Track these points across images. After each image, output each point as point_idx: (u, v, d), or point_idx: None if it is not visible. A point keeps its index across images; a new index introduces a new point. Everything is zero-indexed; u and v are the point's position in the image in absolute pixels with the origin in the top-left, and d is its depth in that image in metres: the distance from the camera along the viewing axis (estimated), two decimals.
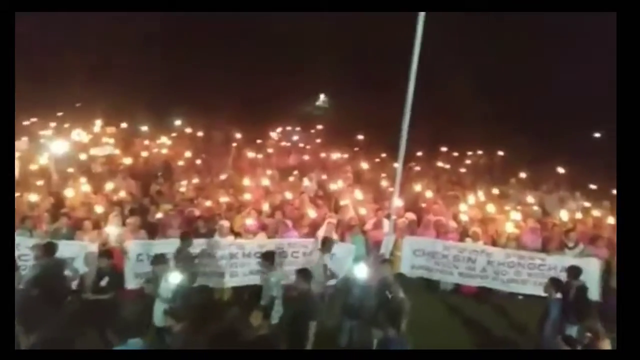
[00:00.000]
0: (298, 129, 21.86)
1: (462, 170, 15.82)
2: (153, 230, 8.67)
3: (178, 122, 19.44)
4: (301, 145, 18.55)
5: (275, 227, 9.26)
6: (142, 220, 8.79)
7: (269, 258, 7.24)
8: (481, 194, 12.11)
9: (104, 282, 6.69)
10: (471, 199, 11.48)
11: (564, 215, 10.47)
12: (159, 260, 6.81)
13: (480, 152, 18.29)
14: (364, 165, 14.60)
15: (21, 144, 12.44)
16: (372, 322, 6.49)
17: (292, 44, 28.65)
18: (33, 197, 9.35)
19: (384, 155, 16.02)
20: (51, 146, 12.04)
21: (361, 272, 6.85)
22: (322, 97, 38.89)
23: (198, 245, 8.08)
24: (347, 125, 21.67)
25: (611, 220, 10.22)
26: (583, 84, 22.83)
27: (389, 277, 7.01)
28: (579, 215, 11.07)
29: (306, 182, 12.46)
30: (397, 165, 8.62)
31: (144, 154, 14.61)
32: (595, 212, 10.99)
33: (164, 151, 15.33)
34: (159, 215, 9.32)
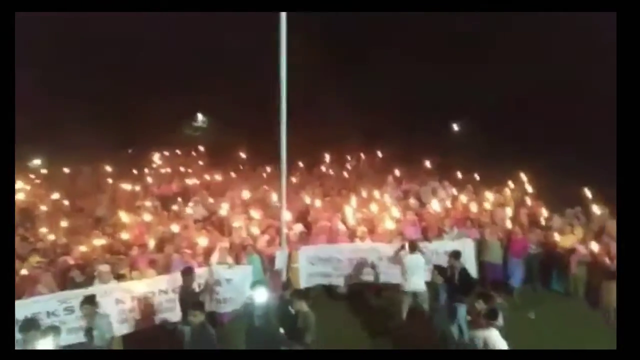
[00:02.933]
0: (178, 152, 20.99)
1: (345, 174, 16.51)
2: (18, 290, 7.58)
3: (37, 162, 17.40)
4: (183, 169, 17.80)
5: (165, 262, 8.73)
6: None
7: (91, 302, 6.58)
8: (364, 195, 12.75)
9: None
10: (355, 201, 12.02)
11: (435, 204, 11.48)
12: (29, 325, 5.95)
13: (360, 154, 19.27)
14: (251, 183, 14.48)
15: None
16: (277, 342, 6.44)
17: (160, 64, 27.37)
18: None
19: (269, 169, 16.10)
20: None
21: (261, 294, 6.76)
22: (199, 116, 37.73)
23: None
24: (229, 143, 21.37)
25: (474, 205, 11.43)
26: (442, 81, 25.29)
27: (288, 293, 7.03)
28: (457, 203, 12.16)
29: (189, 209, 11.94)
30: (281, 178, 8.64)
31: None
32: (463, 198, 12.22)
33: (21, 197, 13.57)
34: (24, 271, 8.20)
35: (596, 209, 10.56)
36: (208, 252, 9.02)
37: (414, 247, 8.59)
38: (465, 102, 24.84)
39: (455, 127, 27.67)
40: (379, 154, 18.90)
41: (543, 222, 10.53)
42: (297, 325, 6.42)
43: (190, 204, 12.44)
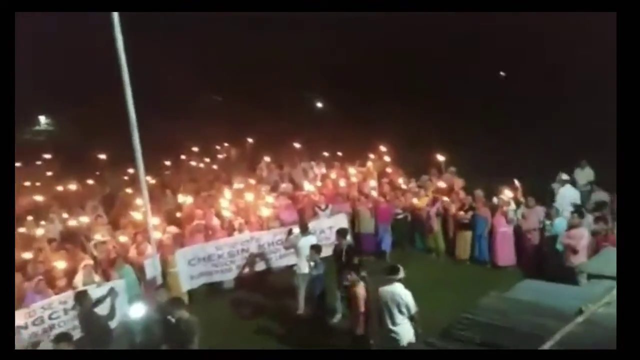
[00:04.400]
0: (18, 164, 18.33)
1: (215, 166, 16.12)
2: None
3: None
4: (27, 184, 15.62)
5: (19, 296, 7.66)
6: None
7: None
8: (238, 185, 12.60)
9: None
10: (229, 192, 11.83)
11: (307, 185, 11.84)
12: None
13: (228, 144, 18.91)
14: (112, 188, 13.35)
15: None
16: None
17: None
18: None
19: (131, 171, 14.95)
20: None
21: (137, 309, 6.35)
22: (42, 119, 33.54)
23: None
24: (81, 147, 19.33)
25: (342, 181, 12.03)
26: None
27: (167, 301, 6.70)
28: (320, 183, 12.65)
29: (40, 229, 10.60)
30: (141, 178, 8.04)
31: None
32: (332, 175, 12.78)
33: None
34: None
35: (445, 171, 11.86)
36: (70, 274, 8.16)
37: (305, 229, 8.76)
38: (325, 82, 25.86)
39: (319, 106, 28.71)
40: (249, 140, 18.77)
41: (403, 188, 11.51)
42: (179, 334, 6.17)
43: (42, 222, 11.03)
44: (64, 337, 5.87)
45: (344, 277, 6.94)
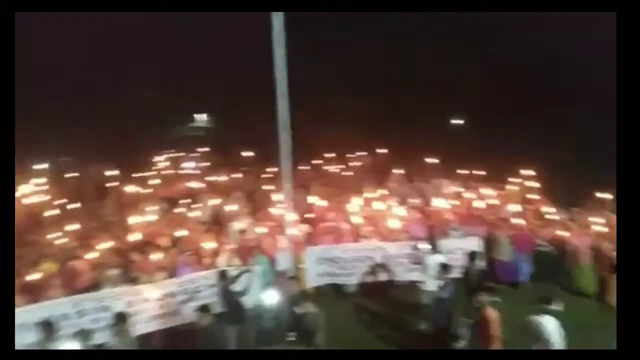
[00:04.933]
0: (182, 154, 21.02)
1: (349, 173, 16.53)
2: (33, 293, 7.69)
3: (43, 166, 17.42)
4: (187, 171, 17.86)
5: (172, 266, 8.81)
6: (19, 284, 7.76)
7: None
8: (368, 194, 12.78)
9: None
10: (360, 200, 12.06)
11: (440, 202, 11.50)
12: (44, 327, 6.09)
13: (364, 153, 19.24)
14: (255, 184, 14.54)
15: None
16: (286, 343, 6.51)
17: (159, 64, 27.33)
18: None
19: (273, 169, 16.10)
20: None
21: (270, 296, 6.84)
22: (198, 117, 37.79)
23: None
24: (232, 144, 21.37)
25: (479, 202, 11.45)
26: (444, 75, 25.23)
27: (296, 294, 7.10)
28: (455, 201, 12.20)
29: (194, 212, 12.01)
30: (285, 177, 8.72)
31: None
32: (467, 195, 12.23)
33: (28, 202, 13.65)
34: (37, 275, 8.30)
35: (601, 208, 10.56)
36: (215, 255, 9.10)
37: (434, 246, 8.60)
38: (466, 97, 24.88)
39: (457, 122, 27.68)
40: (382, 151, 18.89)
41: (549, 218, 10.54)
42: (305, 326, 6.49)
43: (195, 206, 12.49)
44: (205, 308, 6.60)
45: (474, 299, 6.61)
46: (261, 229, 10.27)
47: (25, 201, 13.35)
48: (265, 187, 14.17)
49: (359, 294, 9.77)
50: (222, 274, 7.75)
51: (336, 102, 26.38)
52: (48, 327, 6.20)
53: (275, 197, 12.81)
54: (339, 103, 26.67)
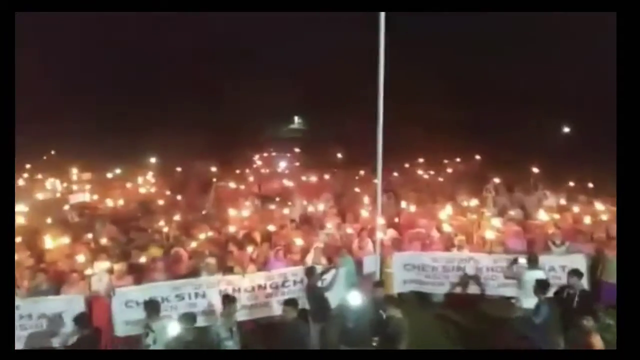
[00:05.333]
0: (275, 154, 21.96)
1: (441, 179, 16.04)
2: (140, 275, 8.50)
3: (153, 160, 19.24)
4: (280, 170, 18.62)
5: (264, 259, 9.20)
6: (128, 266, 8.62)
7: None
8: (462, 202, 12.28)
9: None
10: (452, 207, 11.62)
11: (543, 215, 10.68)
12: (150, 306, 6.69)
13: (457, 159, 18.58)
14: (344, 185, 14.70)
15: None
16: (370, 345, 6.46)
17: (254, 69, 28.69)
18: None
19: (362, 172, 16.17)
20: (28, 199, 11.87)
21: (355, 297, 6.84)
22: (295, 119, 39.11)
23: None
24: (324, 146, 21.84)
25: (587, 217, 10.46)
26: (549, 82, 23.56)
27: (382, 298, 7.02)
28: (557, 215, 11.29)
29: (286, 209, 12.46)
30: (377, 181, 8.71)
31: (121, 197, 14.39)
32: (575, 208, 11.23)
33: (142, 191, 15.16)
34: (143, 259, 9.16)
35: None
36: (303, 252, 9.33)
37: (534, 261, 8.04)
38: (580, 100, 22.89)
39: (567, 129, 25.54)
40: (478, 157, 18.05)
41: None
42: (389, 331, 6.39)
43: (288, 204, 12.93)
44: (291, 302, 6.77)
45: (577, 323, 6.02)
46: (349, 230, 10.33)
47: (140, 190, 14.83)
48: (354, 189, 14.29)
49: (446, 304, 9.41)
50: (309, 271, 7.93)
51: (430, 107, 25.73)
52: (153, 306, 6.79)
53: (363, 200, 12.91)
54: (433, 108, 26.00)
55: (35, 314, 7.52)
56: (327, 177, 16.77)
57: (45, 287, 7.88)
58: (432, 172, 16.74)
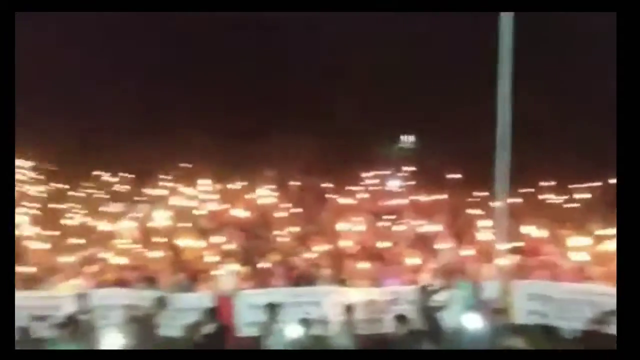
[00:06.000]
0: (388, 172, 21.93)
1: (572, 204, 14.68)
2: (261, 280, 9.12)
3: (270, 174, 20.42)
4: (392, 188, 18.56)
5: (376, 275, 9.28)
6: (252, 270, 9.30)
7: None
8: (598, 231, 11.09)
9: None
10: (585, 236, 10.56)
11: None
12: (271, 309, 7.15)
13: (592, 183, 16.79)
14: (461, 206, 14.19)
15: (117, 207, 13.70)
16: None
17: (369, 84, 28.85)
18: (154, 254, 10.35)
19: (482, 193, 15.42)
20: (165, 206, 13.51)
21: (472, 320, 6.58)
22: (405, 137, 38.69)
23: None
24: (438, 164, 21.28)
25: None
26: None
27: (500, 326, 6.65)
28: None
29: (398, 227, 12.39)
30: (497, 204, 8.32)
31: (245, 207, 15.49)
32: None
33: (263, 202, 16.19)
34: (266, 264, 9.80)
35: None
36: (417, 271, 9.21)
37: None
38: None
39: None
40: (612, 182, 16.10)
41: None
42: None
43: (400, 222, 12.87)
44: (402, 318, 6.73)
45: None
46: (467, 253, 9.96)
47: (261, 202, 15.90)
48: (470, 211, 13.71)
49: (579, 341, 8.51)
50: (423, 290, 7.80)
51: (558, 123, 23.64)
52: (272, 310, 7.24)
53: (482, 222, 12.31)
54: (562, 125, 23.84)
55: (172, 306, 8.44)
56: (441, 197, 16.32)
57: (183, 284, 8.85)
58: (560, 196, 15.39)
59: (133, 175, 20.18)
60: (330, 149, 25.96)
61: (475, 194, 15.56)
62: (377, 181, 20.20)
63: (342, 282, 8.91)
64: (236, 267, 9.35)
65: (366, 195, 17.02)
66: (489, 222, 11.59)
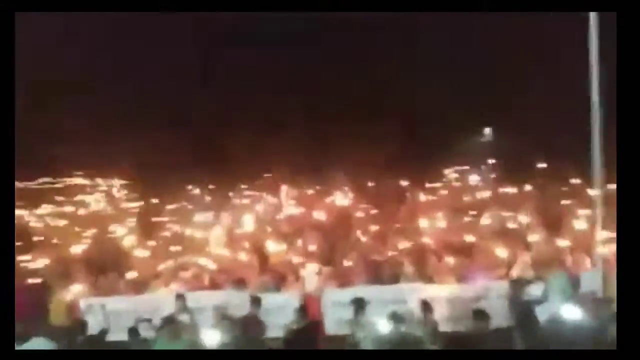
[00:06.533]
0: (466, 167, 21.09)
1: None
2: (344, 279, 9.23)
3: (347, 175, 20.48)
4: (474, 183, 17.81)
5: (462, 271, 9.00)
6: (334, 269, 9.44)
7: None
8: None
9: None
10: None
11: None
12: (358, 304, 7.21)
13: None
14: (551, 196, 13.29)
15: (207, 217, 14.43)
16: None
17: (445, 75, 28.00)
18: (241, 257, 10.87)
19: (576, 181, 14.32)
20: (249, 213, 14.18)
21: (571, 311, 6.16)
22: (486, 130, 36.94)
23: None
24: (522, 155, 20.12)
25: None
26: None
27: (608, 316, 6.15)
28: None
29: (484, 220, 11.88)
30: (594, 192, 7.76)
31: (323, 209, 15.68)
32: None
33: (340, 204, 16.31)
34: (347, 264, 9.89)
35: None
36: (507, 265, 8.79)
37: None
38: None
39: None
40: None
41: None
42: None
43: (485, 215, 12.33)
44: (480, 313, 6.47)
45: None
46: (563, 243, 9.33)
47: (339, 203, 16.06)
48: (563, 202, 12.80)
49: None
50: (515, 284, 7.45)
51: None
52: (360, 304, 7.30)
53: (577, 211, 11.46)
54: None
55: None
56: (528, 188, 15.38)
57: (270, 285, 9.20)
58: None
59: (214, 186, 21.58)
60: (408, 146, 25.53)
61: (568, 182, 14.53)
62: (457, 176, 19.53)
63: (427, 279, 8.75)
64: (319, 267, 9.52)
65: (447, 192, 16.52)
66: (584, 211, 10.80)
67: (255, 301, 7.96)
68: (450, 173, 19.72)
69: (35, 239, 14.90)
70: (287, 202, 17.38)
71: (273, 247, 11.12)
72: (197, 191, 21.01)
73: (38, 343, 7.26)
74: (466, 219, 12.58)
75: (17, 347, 7.33)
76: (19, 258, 11.93)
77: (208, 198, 19.83)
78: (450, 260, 9.35)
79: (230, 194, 19.36)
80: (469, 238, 10.41)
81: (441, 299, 8.31)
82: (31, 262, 11.64)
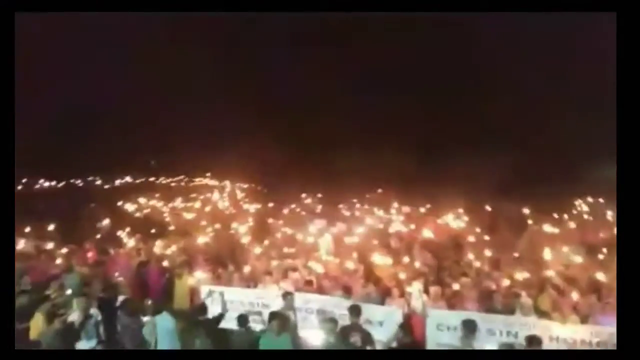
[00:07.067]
0: (601, 200, 18.89)
1: None
2: (452, 302, 8.85)
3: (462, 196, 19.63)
4: (609, 217, 15.89)
5: (587, 310, 8.06)
6: (442, 291, 9.10)
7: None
8: None
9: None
10: None
11: None
12: (469, 326, 6.91)
13: None
14: None
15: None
16: None
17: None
18: (350, 265, 10.99)
19: None
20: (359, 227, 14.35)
21: None
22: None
23: None
24: None
25: None
26: None
27: None
28: None
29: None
30: None
31: (433, 229, 15.20)
32: None
33: (453, 226, 15.70)
34: (457, 287, 9.47)
35: None
36: None
37: None
38: None
39: None
40: None
41: None
42: None
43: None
44: None
45: None
46: None
47: (451, 225, 15.47)
48: None
49: None
50: None
51: None
52: (471, 327, 6.99)
53: None
54: None
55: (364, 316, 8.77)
56: None
57: (374, 296, 9.17)
58: None
59: (321, 195, 22.49)
60: (527, 175, 23.76)
61: None
62: (589, 209, 17.63)
63: (544, 314, 7.99)
64: (426, 286, 9.24)
65: (575, 225, 14.97)
66: None
67: (355, 310, 7.99)
68: (581, 204, 17.93)
69: (170, 228, 16.81)
70: (397, 218, 17.25)
71: (380, 260, 11.06)
72: (309, 200, 22.07)
73: (167, 318, 8.10)
74: (599, 256, 11.33)
75: (145, 319, 8.31)
76: (153, 243, 13.57)
77: (319, 206, 20.61)
78: (575, 297, 8.42)
79: (341, 205, 19.99)
80: (601, 274, 9.30)
81: (561, 339, 7.53)
82: (164, 248, 13.10)
